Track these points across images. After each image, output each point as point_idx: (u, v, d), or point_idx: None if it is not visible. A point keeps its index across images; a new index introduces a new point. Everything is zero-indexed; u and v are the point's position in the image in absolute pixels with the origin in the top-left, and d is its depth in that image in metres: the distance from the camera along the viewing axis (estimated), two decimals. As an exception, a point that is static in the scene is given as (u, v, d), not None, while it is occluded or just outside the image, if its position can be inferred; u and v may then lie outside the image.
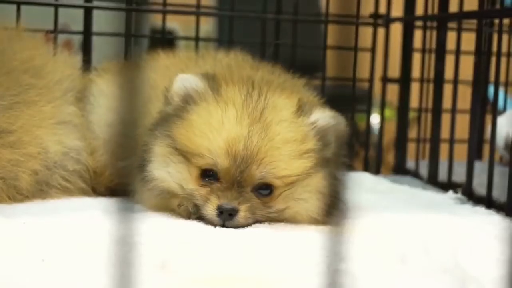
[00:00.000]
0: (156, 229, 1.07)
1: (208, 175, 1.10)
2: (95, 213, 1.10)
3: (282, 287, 0.84)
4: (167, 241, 1.01)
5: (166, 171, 1.13)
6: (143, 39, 2.33)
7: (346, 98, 1.79)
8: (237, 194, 1.08)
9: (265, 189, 1.10)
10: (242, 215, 1.08)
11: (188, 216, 1.12)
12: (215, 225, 1.09)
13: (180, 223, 1.11)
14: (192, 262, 0.91)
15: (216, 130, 1.08)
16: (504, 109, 1.96)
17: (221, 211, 1.07)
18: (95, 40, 1.64)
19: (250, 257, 0.95)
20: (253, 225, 1.11)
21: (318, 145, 1.12)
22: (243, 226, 1.09)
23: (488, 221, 1.19)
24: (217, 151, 1.08)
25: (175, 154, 1.12)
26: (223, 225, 1.08)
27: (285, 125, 1.10)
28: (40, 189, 1.26)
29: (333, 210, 1.15)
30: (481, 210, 1.34)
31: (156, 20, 1.77)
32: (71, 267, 0.87)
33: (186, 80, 1.14)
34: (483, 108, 1.81)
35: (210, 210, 1.08)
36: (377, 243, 1.06)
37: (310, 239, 1.01)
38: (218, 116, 1.09)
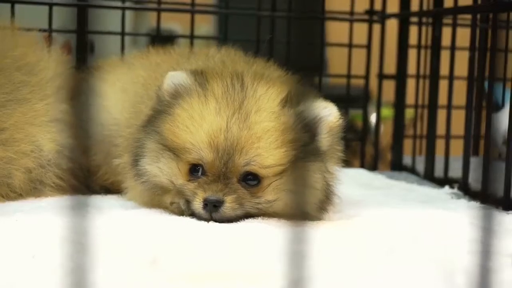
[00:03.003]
0: (145, 226, 1.07)
1: (196, 170, 1.10)
2: (87, 211, 1.10)
3: (272, 282, 0.83)
4: (157, 237, 1.01)
5: (157, 167, 1.13)
6: (143, 39, 2.34)
7: (349, 97, 1.81)
8: (222, 186, 1.08)
9: (252, 180, 1.09)
10: (228, 206, 1.08)
11: (181, 213, 1.12)
12: (205, 220, 1.09)
13: (170, 219, 1.12)
14: (181, 259, 0.91)
15: (198, 123, 1.09)
16: (502, 105, 1.95)
17: (206, 204, 1.07)
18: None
19: (239, 252, 0.95)
20: (243, 221, 1.11)
21: (306, 136, 1.10)
22: (232, 218, 1.09)
23: (481, 215, 1.18)
24: (200, 145, 1.08)
25: (165, 150, 1.12)
26: (211, 218, 1.08)
27: (265, 115, 1.09)
28: (34, 187, 1.26)
29: (326, 205, 1.15)
30: (475, 205, 1.34)
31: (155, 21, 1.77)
32: (61, 263, 0.86)
33: (175, 77, 1.15)
34: (480, 104, 1.80)
35: (197, 203, 1.08)
36: (368, 236, 1.06)
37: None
38: (199, 109, 1.10)
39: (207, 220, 1.09)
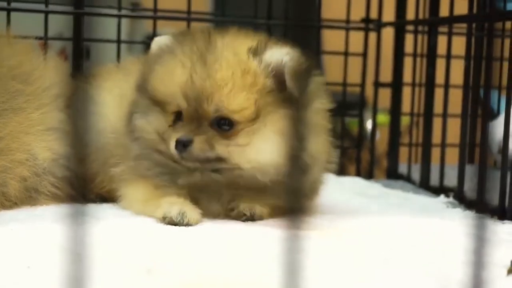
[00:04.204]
0: (142, 234, 1.08)
1: (179, 118, 1.17)
2: (83, 220, 1.10)
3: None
4: (153, 246, 1.01)
5: (146, 120, 1.22)
6: (139, 44, 2.34)
7: (345, 104, 1.82)
8: (194, 128, 1.15)
9: (226, 125, 1.14)
10: (196, 146, 1.14)
11: (175, 225, 1.14)
12: (177, 160, 1.16)
13: (167, 227, 1.13)
14: (178, 267, 0.91)
15: (170, 76, 1.17)
16: (497, 113, 1.96)
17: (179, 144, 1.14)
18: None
19: (236, 261, 0.95)
20: (239, 226, 1.12)
21: (273, 82, 1.14)
22: (201, 158, 1.14)
23: (476, 224, 1.18)
24: (174, 95, 1.16)
25: (153, 105, 1.20)
26: (182, 158, 1.14)
27: (224, 63, 1.14)
28: (29, 196, 1.26)
29: (296, 162, 1.14)
30: (471, 214, 1.34)
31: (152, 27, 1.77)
32: (57, 273, 0.86)
33: (159, 40, 1.25)
34: (476, 112, 1.81)
35: (171, 145, 1.15)
36: (363, 245, 1.06)
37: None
38: (171, 64, 1.18)
39: (179, 160, 1.15)
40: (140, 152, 1.23)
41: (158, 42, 1.24)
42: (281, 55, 1.14)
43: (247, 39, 1.20)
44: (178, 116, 1.17)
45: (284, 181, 1.14)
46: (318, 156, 1.19)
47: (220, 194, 1.20)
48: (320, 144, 1.20)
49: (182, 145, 1.13)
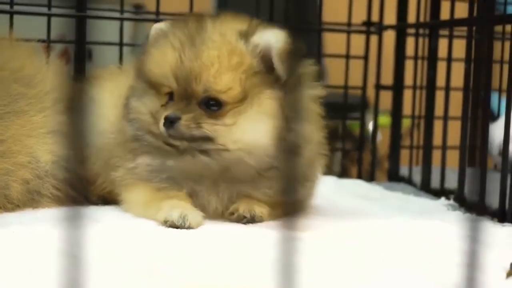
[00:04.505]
0: (142, 237, 1.08)
1: (171, 99, 1.20)
2: (84, 223, 1.10)
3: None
4: (154, 249, 1.01)
5: (141, 102, 1.24)
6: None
7: (347, 106, 1.82)
8: (182, 107, 1.18)
9: (215, 105, 1.17)
10: (183, 123, 1.16)
11: (176, 228, 1.14)
12: (165, 140, 1.18)
13: (167, 230, 1.13)
14: (178, 270, 0.91)
15: (163, 58, 1.21)
16: (498, 115, 1.96)
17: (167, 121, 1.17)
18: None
19: (235, 264, 0.96)
20: (235, 228, 1.13)
21: (261, 63, 1.17)
22: (187, 135, 1.16)
23: (475, 227, 1.18)
24: (166, 75, 1.19)
25: (149, 88, 1.24)
26: (169, 136, 1.17)
27: (211, 44, 1.17)
28: (32, 198, 1.26)
29: (284, 143, 1.16)
30: (471, 216, 1.34)
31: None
32: (57, 277, 0.87)
33: (158, 26, 1.28)
34: (476, 114, 1.81)
35: (161, 123, 1.18)
36: (362, 246, 1.07)
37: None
38: (165, 47, 1.22)
39: (167, 139, 1.18)
40: (134, 133, 1.25)
41: (156, 28, 1.28)
42: (269, 36, 1.17)
43: (238, 23, 1.23)
44: (170, 97, 1.20)
45: (277, 168, 1.17)
46: (308, 138, 1.21)
47: (217, 189, 1.22)
48: (310, 128, 1.22)
49: (170, 121, 1.16)
